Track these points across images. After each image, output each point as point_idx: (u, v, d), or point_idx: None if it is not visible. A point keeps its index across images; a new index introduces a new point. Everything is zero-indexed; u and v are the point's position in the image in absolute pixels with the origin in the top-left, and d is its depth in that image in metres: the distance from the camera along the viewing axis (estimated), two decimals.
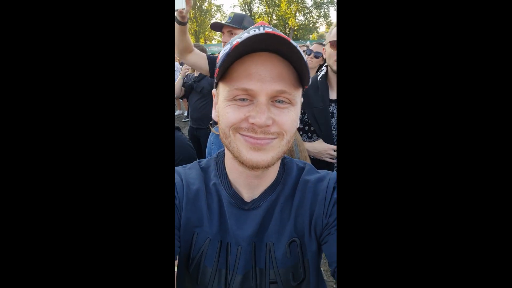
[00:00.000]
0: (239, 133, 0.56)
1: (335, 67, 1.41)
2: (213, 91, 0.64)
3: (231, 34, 1.79)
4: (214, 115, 0.63)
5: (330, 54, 1.43)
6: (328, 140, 1.48)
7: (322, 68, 1.57)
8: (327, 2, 28.33)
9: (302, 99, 0.62)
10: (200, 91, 3.00)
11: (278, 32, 0.51)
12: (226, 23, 1.81)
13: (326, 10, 28.97)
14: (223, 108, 0.56)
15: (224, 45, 1.93)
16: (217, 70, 0.56)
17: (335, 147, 1.44)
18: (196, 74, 3.12)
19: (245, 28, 1.79)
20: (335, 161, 1.46)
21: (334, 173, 0.69)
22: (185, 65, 3.23)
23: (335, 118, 1.45)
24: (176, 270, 0.71)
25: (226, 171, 0.67)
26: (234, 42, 0.51)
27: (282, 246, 0.64)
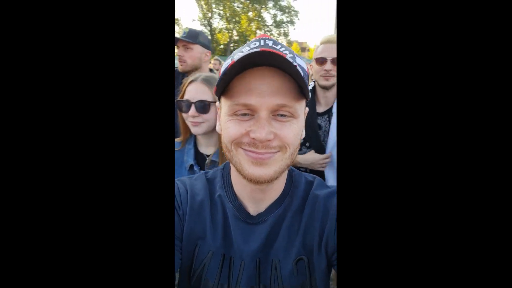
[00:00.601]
0: (241, 148, 0.56)
1: (321, 82, 1.53)
2: (217, 104, 0.64)
3: (186, 48, 1.85)
4: (218, 128, 0.63)
5: (316, 70, 1.53)
6: (319, 151, 1.54)
7: (309, 84, 1.68)
8: (286, 21, 29.21)
9: (307, 110, 0.61)
10: None
11: (275, 49, 0.52)
12: (180, 38, 1.85)
13: (285, 29, 29.80)
14: (225, 123, 0.57)
15: (179, 59, 1.80)
16: (215, 88, 0.57)
17: (325, 155, 1.51)
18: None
19: (200, 43, 1.87)
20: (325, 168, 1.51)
21: None
22: None
23: (323, 130, 1.55)
24: (177, 282, 0.69)
25: (231, 183, 0.66)
26: (230, 61, 0.53)
27: (288, 263, 0.62)
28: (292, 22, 29.47)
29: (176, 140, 1.30)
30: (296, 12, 29.13)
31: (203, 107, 1.13)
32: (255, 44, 0.55)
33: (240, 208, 0.64)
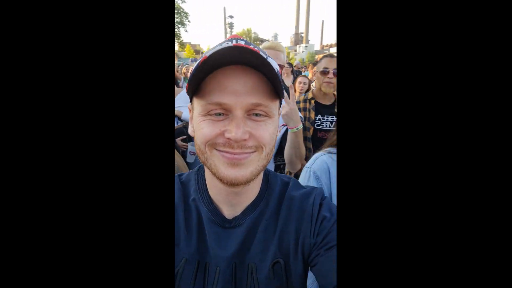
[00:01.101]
0: (216, 149, 0.55)
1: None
2: (189, 105, 0.63)
3: None
4: (190, 130, 0.61)
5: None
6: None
7: None
8: (176, 22, 31.87)
9: (280, 111, 0.64)
10: None
11: (249, 45, 0.52)
12: None
13: (176, 30, 32.59)
14: (198, 123, 0.55)
15: None
16: (187, 85, 0.56)
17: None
18: None
19: None
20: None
21: (320, 188, 0.68)
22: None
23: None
24: None
25: (206, 187, 0.65)
26: (203, 56, 0.51)
27: (265, 267, 0.61)
28: (182, 24, 32.49)
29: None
30: (186, 14, 32.11)
31: None
32: (227, 43, 0.53)
33: (215, 212, 0.63)
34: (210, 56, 0.48)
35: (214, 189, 0.63)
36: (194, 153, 2.61)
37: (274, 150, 0.93)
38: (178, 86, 3.91)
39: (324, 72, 2.03)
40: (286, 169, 1.76)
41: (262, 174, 0.64)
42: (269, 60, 0.53)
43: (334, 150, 0.99)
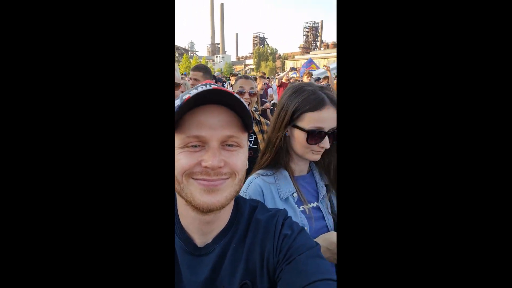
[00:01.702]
0: (192, 178, 0.58)
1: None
2: None
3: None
4: None
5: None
6: None
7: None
8: None
9: (248, 143, 0.67)
10: None
11: (223, 88, 0.60)
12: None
13: None
14: (176, 155, 0.58)
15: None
16: None
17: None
18: None
19: None
20: None
21: (284, 210, 0.72)
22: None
23: None
24: None
25: (178, 216, 0.67)
26: (185, 97, 0.56)
27: None
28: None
29: None
30: None
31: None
32: (202, 87, 0.59)
33: (187, 241, 0.64)
34: (192, 96, 0.55)
35: (187, 218, 0.65)
36: None
37: None
38: None
39: (241, 93, 1.99)
40: None
41: (233, 201, 0.65)
42: (241, 100, 0.60)
43: (265, 172, 1.05)
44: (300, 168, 1.05)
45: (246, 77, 2.13)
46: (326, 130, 0.94)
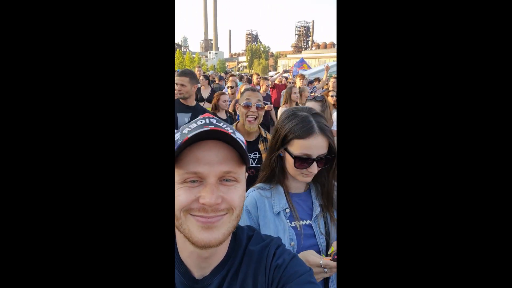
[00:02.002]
0: (190, 214, 0.59)
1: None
2: None
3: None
4: None
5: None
6: None
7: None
8: None
9: (246, 174, 0.67)
10: None
11: (220, 127, 0.60)
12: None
13: None
14: (176, 191, 0.59)
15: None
16: None
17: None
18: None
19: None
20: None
21: (277, 239, 0.73)
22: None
23: None
24: None
25: (177, 248, 0.68)
26: (185, 135, 0.59)
27: None
28: None
29: None
30: None
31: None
32: (201, 121, 0.62)
33: (186, 274, 0.66)
34: (191, 137, 0.57)
35: (185, 252, 0.66)
36: None
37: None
38: None
39: (247, 106, 1.91)
40: None
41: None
42: (237, 135, 0.62)
43: (263, 186, 1.08)
44: (296, 185, 1.09)
45: (253, 90, 2.05)
46: (314, 157, 0.98)
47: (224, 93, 3.75)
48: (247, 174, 0.68)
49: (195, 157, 0.59)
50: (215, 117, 0.66)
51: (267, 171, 1.10)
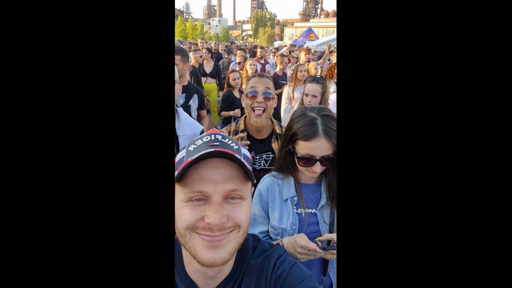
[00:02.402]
0: (195, 232, 0.59)
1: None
2: None
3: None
4: None
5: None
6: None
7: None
8: None
9: (252, 189, 0.68)
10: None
11: (225, 145, 0.61)
12: None
13: None
14: (180, 209, 0.60)
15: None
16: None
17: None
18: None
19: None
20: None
21: (279, 248, 0.74)
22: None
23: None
24: None
25: (183, 263, 0.69)
26: (190, 158, 0.58)
27: None
28: None
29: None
30: None
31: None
32: (207, 138, 0.63)
33: (191, 287, 0.67)
34: (195, 158, 0.57)
35: (191, 268, 0.66)
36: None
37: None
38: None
39: (253, 96, 1.49)
40: None
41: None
42: (243, 151, 0.64)
43: (277, 174, 1.16)
44: (306, 177, 1.12)
45: (260, 76, 1.59)
46: (317, 157, 1.02)
47: (234, 71, 3.52)
48: (253, 189, 0.68)
49: (200, 176, 0.58)
50: (221, 133, 0.66)
51: (278, 164, 1.17)
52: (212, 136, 0.64)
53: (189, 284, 0.66)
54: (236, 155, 0.58)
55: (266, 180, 1.17)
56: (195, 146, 0.61)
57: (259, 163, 1.62)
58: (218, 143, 0.61)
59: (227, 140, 0.63)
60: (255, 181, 0.66)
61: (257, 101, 1.50)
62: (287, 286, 0.64)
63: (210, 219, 0.57)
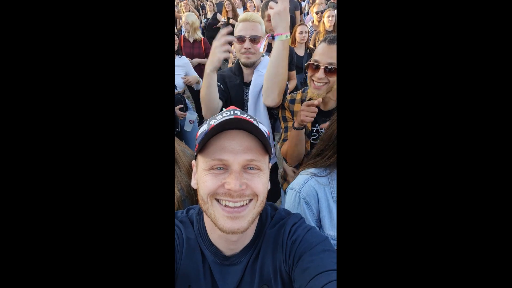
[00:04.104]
0: (216, 200, 0.64)
1: (242, 60, 1.57)
2: (193, 162, 0.75)
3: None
4: (193, 183, 0.73)
5: (237, 49, 1.56)
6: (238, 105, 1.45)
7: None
8: None
9: (270, 165, 0.72)
10: None
11: (244, 116, 0.64)
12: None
13: None
14: (202, 177, 0.65)
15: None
16: (196, 145, 0.67)
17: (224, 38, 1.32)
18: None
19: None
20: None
21: (296, 214, 0.75)
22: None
23: (248, 90, 1.58)
24: None
25: (206, 231, 0.73)
26: (211, 124, 0.63)
27: None
28: None
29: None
30: None
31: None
32: (227, 113, 0.66)
33: (216, 253, 0.71)
34: (217, 124, 0.61)
35: (214, 234, 0.70)
36: (192, 121, 2.72)
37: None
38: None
39: (315, 68, 1.30)
40: (281, 168, 1.76)
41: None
42: (260, 126, 0.66)
43: (319, 171, 1.00)
44: None
45: (330, 41, 1.29)
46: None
47: (303, 24, 3.30)
48: (270, 164, 0.72)
49: (221, 146, 0.64)
50: (240, 110, 0.71)
51: (329, 151, 0.99)
52: (232, 111, 0.69)
53: (214, 250, 0.72)
54: (255, 123, 0.64)
55: (310, 184, 1.00)
56: (215, 120, 0.66)
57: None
58: (237, 116, 0.65)
59: (245, 115, 0.67)
60: (273, 154, 0.68)
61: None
62: (301, 251, 0.67)
63: (230, 185, 0.62)
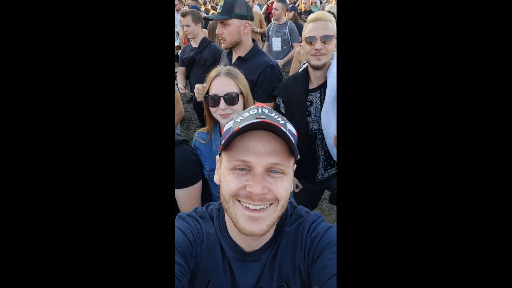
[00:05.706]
0: (238, 201, 0.63)
1: (312, 62, 1.50)
2: (217, 157, 0.74)
3: (224, 25, 1.73)
4: (216, 178, 0.71)
5: (307, 50, 1.50)
6: (300, 126, 1.55)
7: (302, 64, 1.71)
8: None
9: (294, 167, 0.69)
10: (204, 63, 2.82)
11: (271, 118, 0.62)
12: (214, 17, 1.77)
13: None
14: (225, 176, 0.64)
15: (219, 36, 1.73)
16: (220, 146, 0.65)
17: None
18: (194, 44, 2.96)
19: (236, 16, 1.70)
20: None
21: (315, 213, 0.76)
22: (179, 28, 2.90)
23: (314, 105, 1.57)
24: None
25: (226, 227, 0.73)
26: (236, 127, 0.60)
27: None
28: None
29: (202, 131, 1.42)
30: None
31: (232, 99, 1.22)
32: (254, 111, 0.64)
33: (236, 249, 0.71)
34: (242, 127, 0.59)
35: (234, 230, 0.69)
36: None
37: None
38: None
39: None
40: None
41: None
42: (288, 127, 0.64)
43: None
44: None
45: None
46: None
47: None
48: (295, 166, 0.70)
49: (245, 146, 0.61)
50: (268, 107, 0.68)
51: None
52: (259, 109, 0.66)
53: (234, 246, 0.72)
54: (282, 128, 0.60)
55: None
56: (242, 118, 0.64)
57: None
58: (264, 116, 0.62)
59: (273, 114, 0.65)
60: (299, 157, 0.66)
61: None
62: (320, 249, 0.67)
63: (252, 188, 0.60)
